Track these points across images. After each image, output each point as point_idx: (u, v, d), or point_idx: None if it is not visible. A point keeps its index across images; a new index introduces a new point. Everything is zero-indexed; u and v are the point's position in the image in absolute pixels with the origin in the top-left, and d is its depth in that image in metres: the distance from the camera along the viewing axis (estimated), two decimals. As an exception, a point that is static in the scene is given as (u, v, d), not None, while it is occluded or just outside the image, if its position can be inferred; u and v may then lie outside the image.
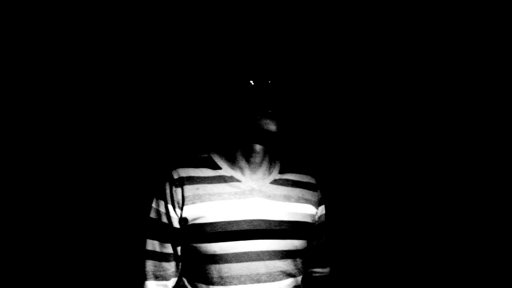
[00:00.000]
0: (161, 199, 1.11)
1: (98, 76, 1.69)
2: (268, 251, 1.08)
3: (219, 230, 1.06)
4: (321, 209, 1.27)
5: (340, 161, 1.82)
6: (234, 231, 1.07)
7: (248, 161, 1.15)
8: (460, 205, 1.71)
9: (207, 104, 1.67)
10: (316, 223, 1.24)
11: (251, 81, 1.13)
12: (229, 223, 1.07)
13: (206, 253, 1.06)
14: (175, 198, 1.09)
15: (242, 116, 1.13)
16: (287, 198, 1.17)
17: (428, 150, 1.75)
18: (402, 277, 1.73)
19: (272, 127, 1.10)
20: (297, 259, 1.15)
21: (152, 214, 1.12)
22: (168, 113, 1.74)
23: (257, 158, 1.15)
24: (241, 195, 1.11)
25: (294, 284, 1.14)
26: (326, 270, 1.31)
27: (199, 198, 1.09)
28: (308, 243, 1.18)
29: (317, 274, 1.30)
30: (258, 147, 1.14)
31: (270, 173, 1.19)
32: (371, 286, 1.75)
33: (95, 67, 1.68)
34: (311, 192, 1.24)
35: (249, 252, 1.06)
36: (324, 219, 1.28)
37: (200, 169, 1.14)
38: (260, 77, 1.14)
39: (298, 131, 1.80)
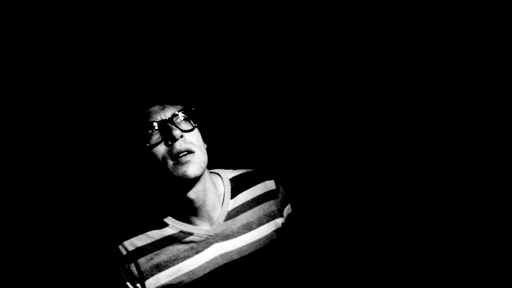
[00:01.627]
0: (117, 277, 1.03)
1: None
2: None
3: None
4: (287, 210, 1.21)
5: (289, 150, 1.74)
6: None
7: (189, 211, 1.05)
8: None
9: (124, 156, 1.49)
10: (285, 222, 1.18)
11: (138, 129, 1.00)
12: (195, 283, 1.02)
13: None
14: (131, 275, 1.02)
15: (154, 169, 1.00)
16: (248, 228, 1.10)
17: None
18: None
19: (190, 171, 0.96)
20: (272, 280, 1.11)
21: None
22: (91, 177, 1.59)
23: (196, 204, 1.04)
24: (198, 249, 1.04)
25: None
26: None
27: (157, 268, 1.02)
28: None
29: None
30: (191, 195, 1.02)
31: (222, 205, 1.10)
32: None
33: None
34: (272, 201, 1.16)
35: None
36: (291, 211, 1.22)
37: (146, 233, 1.04)
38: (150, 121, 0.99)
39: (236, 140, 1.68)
